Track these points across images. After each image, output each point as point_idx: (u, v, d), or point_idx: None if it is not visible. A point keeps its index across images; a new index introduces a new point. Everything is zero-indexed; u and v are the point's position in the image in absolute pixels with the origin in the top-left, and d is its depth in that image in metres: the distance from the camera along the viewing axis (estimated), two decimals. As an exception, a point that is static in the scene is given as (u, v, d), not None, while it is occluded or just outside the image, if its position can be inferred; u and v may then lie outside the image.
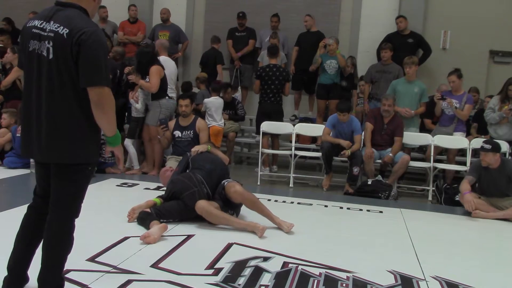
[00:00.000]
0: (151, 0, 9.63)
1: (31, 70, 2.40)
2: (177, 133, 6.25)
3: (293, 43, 8.62)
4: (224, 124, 7.24)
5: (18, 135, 6.50)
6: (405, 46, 7.96)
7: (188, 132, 6.21)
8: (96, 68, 2.32)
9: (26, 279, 2.63)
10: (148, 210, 4.17)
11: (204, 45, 9.30)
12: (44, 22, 2.37)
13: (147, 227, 3.90)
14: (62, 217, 2.48)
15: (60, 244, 2.49)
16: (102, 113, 2.36)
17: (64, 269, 2.88)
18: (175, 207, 4.20)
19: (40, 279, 2.49)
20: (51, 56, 2.33)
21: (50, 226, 2.47)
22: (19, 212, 4.27)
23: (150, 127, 6.52)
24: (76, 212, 2.52)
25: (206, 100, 7.21)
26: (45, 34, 2.34)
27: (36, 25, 2.39)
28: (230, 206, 4.32)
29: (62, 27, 2.31)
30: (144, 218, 4.06)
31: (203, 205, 4.11)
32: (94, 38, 2.31)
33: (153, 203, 4.32)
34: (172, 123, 6.33)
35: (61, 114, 2.36)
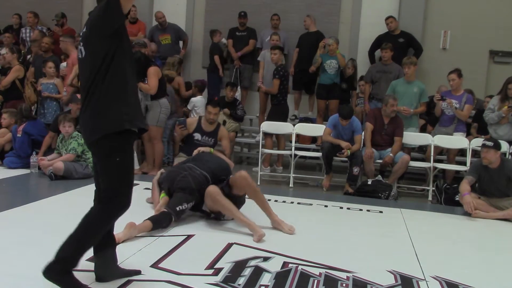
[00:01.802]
0: (151, 0, 9.63)
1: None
2: (197, 136, 6.13)
3: (293, 43, 8.63)
4: (225, 121, 7.23)
5: (18, 135, 6.51)
6: (396, 45, 7.95)
7: (209, 139, 6.11)
8: None
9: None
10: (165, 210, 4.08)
11: (204, 45, 9.31)
12: None
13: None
14: None
15: None
16: None
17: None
18: (181, 199, 4.14)
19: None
20: None
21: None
22: (19, 212, 4.29)
23: (150, 127, 6.52)
24: None
25: (193, 99, 7.55)
26: None
27: None
28: (233, 202, 4.24)
29: None
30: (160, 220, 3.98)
31: (212, 190, 4.05)
32: None
33: (168, 199, 4.27)
34: (193, 123, 6.22)
35: None
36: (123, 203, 2.65)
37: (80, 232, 2.60)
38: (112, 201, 2.63)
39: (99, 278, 2.82)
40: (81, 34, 2.70)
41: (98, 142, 2.59)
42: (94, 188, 2.79)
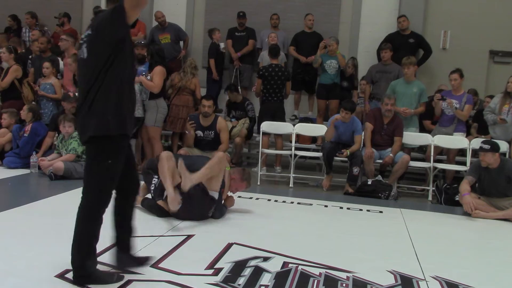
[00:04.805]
0: (151, 1, 9.62)
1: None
2: (199, 133, 6.39)
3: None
4: (232, 129, 7.21)
5: (25, 135, 6.50)
6: (405, 46, 7.98)
7: (210, 132, 6.34)
8: None
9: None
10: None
11: (204, 45, 9.30)
12: None
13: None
14: None
15: None
16: None
17: (64, 269, 2.91)
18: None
19: None
20: None
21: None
22: (19, 212, 4.29)
23: (148, 127, 6.55)
24: None
25: None
26: None
27: None
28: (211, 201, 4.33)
29: None
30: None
31: (163, 156, 4.27)
32: None
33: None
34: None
35: None
36: (104, 200, 2.75)
37: (77, 236, 2.72)
38: (92, 198, 2.73)
39: (117, 266, 2.96)
40: (85, 35, 2.77)
41: (89, 142, 2.71)
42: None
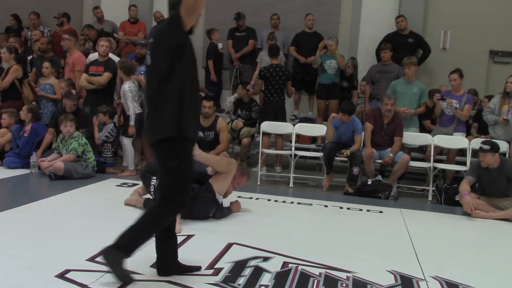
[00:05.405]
0: (151, 0, 9.63)
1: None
2: (199, 133, 6.21)
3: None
4: (240, 129, 7.20)
5: (25, 135, 6.51)
6: (405, 45, 7.98)
7: (210, 133, 6.26)
8: None
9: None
10: None
11: (204, 45, 9.29)
12: None
13: None
14: None
15: None
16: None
17: (66, 268, 2.91)
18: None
19: None
20: None
21: None
22: (19, 212, 4.29)
23: None
24: None
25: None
26: None
27: None
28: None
29: None
30: None
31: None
32: None
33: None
34: None
35: None
36: (180, 203, 2.86)
37: (138, 225, 2.81)
38: (169, 200, 2.82)
39: (160, 272, 2.98)
40: (148, 42, 2.93)
41: (157, 145, 2.81)
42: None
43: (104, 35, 8.33)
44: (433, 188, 6.29)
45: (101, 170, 6.35)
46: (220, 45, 8.66)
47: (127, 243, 2.78)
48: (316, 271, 3.26)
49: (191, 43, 2.89)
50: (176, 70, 2.74)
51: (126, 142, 6.50)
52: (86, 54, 7.59)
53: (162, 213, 2.85)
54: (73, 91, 6.67)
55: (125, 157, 6.59)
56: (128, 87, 6.33)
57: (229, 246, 3.66)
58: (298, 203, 5.46)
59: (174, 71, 2.74)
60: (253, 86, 7.51)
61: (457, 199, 5.62)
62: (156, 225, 2.84)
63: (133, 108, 6.33)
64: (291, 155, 6.70)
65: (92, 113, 6.69)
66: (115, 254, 2.74)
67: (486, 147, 5.29)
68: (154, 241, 2.96)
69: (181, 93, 2.75)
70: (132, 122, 6.35)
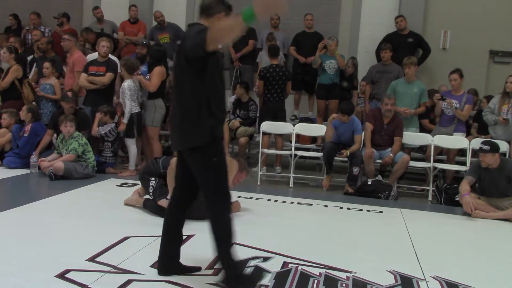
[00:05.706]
0: (151, 0, 9.63)
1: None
2: None
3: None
4: (237, 129, 7.21)
5: (25, 135, 6.50)
6: (404, 45, 7.98)
7: None
8: None
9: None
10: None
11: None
12: None
13: None
14: None
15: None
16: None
17: (66, 268, 2.91)
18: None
19: None
20: None
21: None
22: (19, 212, 4.29)
23: (147, 127, 6.55)
24: None
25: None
26: None
27: None
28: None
29: None
30: None
31: (173, 162, 4.23)
32: None
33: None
34: None
35: None
36: (227, 196, 2.87)
37: (216, 237, 2.81)
38: (218, 197, 2.84)
39: (161, 272, 3.00)
40: (176, 44, 2.93)
41: (191, 151, 2.84)
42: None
43: (104, 35, 8.33)
44: (433, 188, 6.29)
45: (101, 170, 6.35)
46: (220, 45, 8.64)
47: (226, 265, 2.82)
48: (316, 271, 3.26)
49: (218, 60, 2.94)
50: (199, 78, 2.76)
51: (128, 142, 6.50)
52: (85, 54, 7.59)
53: (223, 211, 2.84)
54: (69, 93, 6.64)
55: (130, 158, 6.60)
56: (127, 85, 6.33)
57: (229, 246, 3.66)
58: (298, 203, 5.46)
59: (199, 78, 2.76)
60: (258, 87, 7.54)
61: (457, 199, 5.62)
62: (226, 227, 2.82)
63: (129, 107, 6.32)
64: (291, 155, 6.70)
65: (93, 113, 6.69)
66: (233, 280, 2.82)
67: (486, 147, 5.28)
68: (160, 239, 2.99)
69: (207, 100, 2.77)
70: (125, 120, 6.35)
